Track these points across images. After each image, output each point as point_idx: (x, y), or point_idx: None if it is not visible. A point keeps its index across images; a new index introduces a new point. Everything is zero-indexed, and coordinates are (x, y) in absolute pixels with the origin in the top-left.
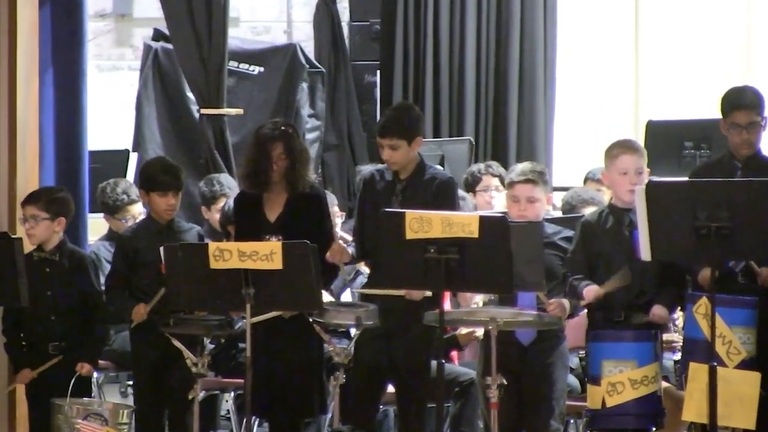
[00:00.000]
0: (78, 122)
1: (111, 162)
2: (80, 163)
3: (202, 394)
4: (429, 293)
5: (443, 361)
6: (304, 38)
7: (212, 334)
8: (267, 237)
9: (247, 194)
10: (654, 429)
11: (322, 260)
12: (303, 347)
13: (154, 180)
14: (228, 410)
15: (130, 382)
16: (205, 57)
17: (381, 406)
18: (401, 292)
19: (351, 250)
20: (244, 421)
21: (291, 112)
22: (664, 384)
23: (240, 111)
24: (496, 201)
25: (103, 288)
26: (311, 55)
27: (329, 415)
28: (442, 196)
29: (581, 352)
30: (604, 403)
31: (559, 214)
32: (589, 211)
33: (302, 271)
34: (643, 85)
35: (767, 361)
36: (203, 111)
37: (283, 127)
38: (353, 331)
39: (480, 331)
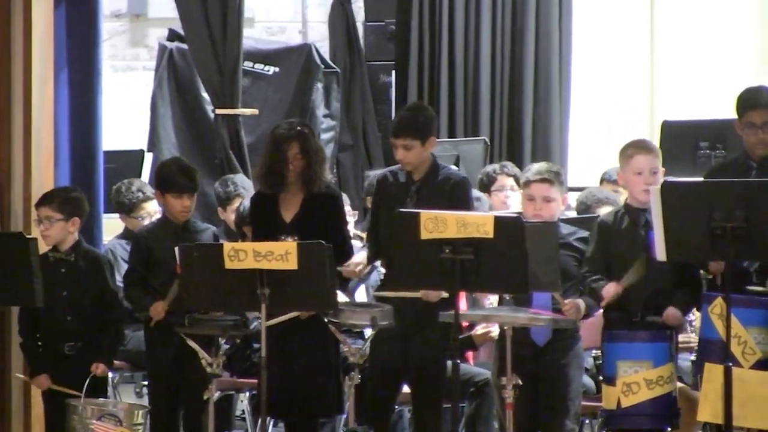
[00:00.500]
0: (93, 122)
1: (126, 162)
2: (95, 164)
3: (217, 395)
4: (446, 294)
5: (458, 361)
6: (319, 38)
7: (227, 334)
8: (283, 237)
9: (263, 195)
10: (669, 429)
11: (337, 261)
12: (319, 347)
13: (169, 181)
14: (243, 411)
15: (145, 383)
16: (220, 57)
17: (396, 407)
18: (418, 294)
19: (364, 254)
20: (259, 421)
21: (306, 112)
22: (679, 384)
23: (255, 111)
24: (511, 201)
25: (119, 286)
26: (326, 56)
27: (344, 416)
28: (457, 196)
29: (596, 352)
30: (619, 403)
31: (573, 214)
32: (604, 211)
33: (317, 272)
34: (658, 86)
35: None
36: (218, 111)
37: (298, 127)
38: (368, 332)
39: (495, 332)
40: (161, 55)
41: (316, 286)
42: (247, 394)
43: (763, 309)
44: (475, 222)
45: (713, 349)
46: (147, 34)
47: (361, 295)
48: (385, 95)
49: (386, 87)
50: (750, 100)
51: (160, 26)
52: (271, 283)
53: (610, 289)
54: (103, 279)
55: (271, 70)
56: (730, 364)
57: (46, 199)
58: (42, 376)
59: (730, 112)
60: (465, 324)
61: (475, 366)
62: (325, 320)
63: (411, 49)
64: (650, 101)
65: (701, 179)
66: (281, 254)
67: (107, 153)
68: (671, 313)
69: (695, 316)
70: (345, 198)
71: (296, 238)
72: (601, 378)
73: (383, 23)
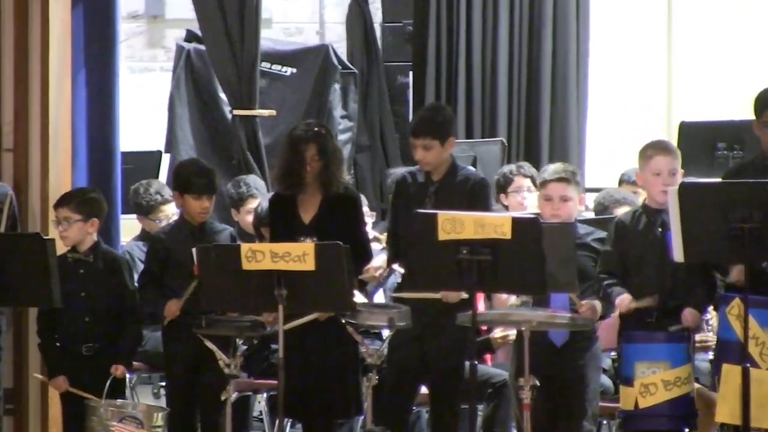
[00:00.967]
0: (110, 123)
1: (143, 163)
2: (113, 165)
3: (234, 396)
4: (465, 295)
5: (476, 362)
6: (337, 39)
7: (244, 335)
8: (302, 239)
9: (282, 196)
10: (687, 430)
11: (356, 262)
12: (338, 348)
13: (188, 182)
14: (261, 411)
15: (163, 383)
16: (238, 58)
17: (414, 408)
18: (437, 295)
19: (384, 257)
20: (277, 422)
21: (323, 113)
22: (696, 385)
23: (273, 112)
24: (528, 202)
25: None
26: (344, 56)
27: (362, 416)
28: (476, 197)
29: (613, 353)
30: (637, 404)
31: (591, 215)
32: (621, 211)
33: (335, 273)
34: (675, 86)
35: None
36: (236, 112)
37: (316, 128)
38: (385, 333)
39: (513, 335)
40: (179, 56)
41: (334, 287)
42: (265, 395)
43: None
44: (492, 223)
45: (731, 350)
46: (164, 35)
47: (379, 298)
48: (403, 96)
49: (403, 88)
50: None
51: (178, 27)
52: (289, 284)
53: (623, 303)
54: (121, 280)
55: (289, 71)
56: (748, 365)
57: (64, 200)
58: (60, 378)
59: (747, 113)
60: (483, 328)
61: (492, 367)
62: (343, 321)
63: (428, 50)
64: (668, 102)
65: (719, 180)
66: (299, 255)
67: (125, 154)
68: (688, 315)
69: (712, 315)
70: (363, 199)
71: (315, 239)
72: (618, 379)
73: (401, 24)
